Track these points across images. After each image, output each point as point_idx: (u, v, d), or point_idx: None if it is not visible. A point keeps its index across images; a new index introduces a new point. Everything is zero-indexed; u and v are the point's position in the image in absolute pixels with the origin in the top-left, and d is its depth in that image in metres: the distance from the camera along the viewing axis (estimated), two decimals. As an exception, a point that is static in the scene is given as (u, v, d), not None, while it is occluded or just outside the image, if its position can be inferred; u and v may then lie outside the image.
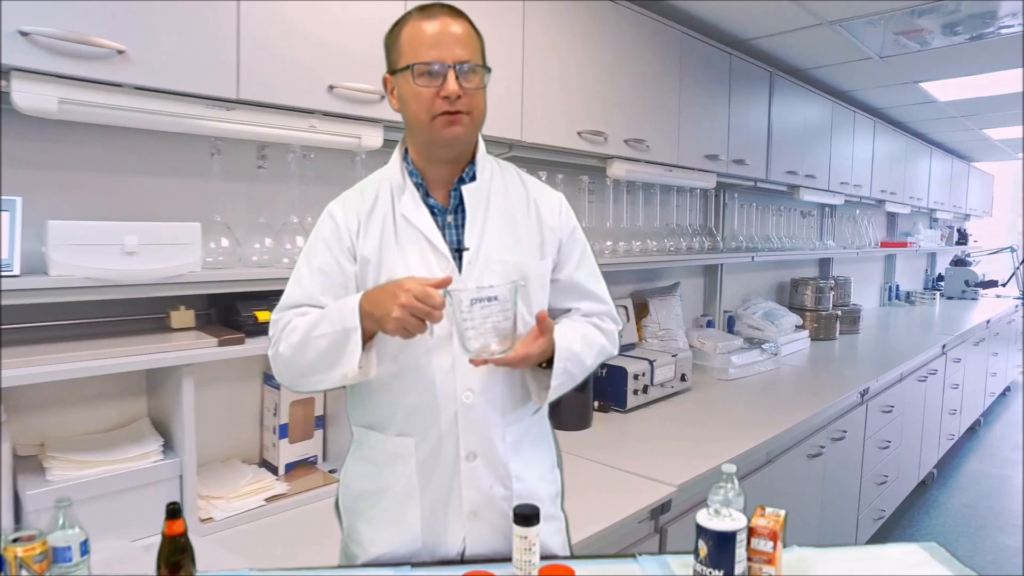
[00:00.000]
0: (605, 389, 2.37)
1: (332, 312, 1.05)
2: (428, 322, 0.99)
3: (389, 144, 1.58)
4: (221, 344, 1.43)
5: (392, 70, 1.11)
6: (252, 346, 1.48)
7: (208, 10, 1.31)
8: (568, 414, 2.15)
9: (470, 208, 1.14)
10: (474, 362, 1.04)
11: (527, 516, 1.02)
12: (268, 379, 1.75)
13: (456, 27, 1.06)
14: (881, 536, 3.40)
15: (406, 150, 1.18)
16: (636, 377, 2.37)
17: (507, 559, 1.07)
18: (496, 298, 1.02)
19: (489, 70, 1.11)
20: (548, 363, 1.11)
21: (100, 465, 1.34)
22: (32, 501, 1.25)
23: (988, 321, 5.11)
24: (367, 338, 1.03)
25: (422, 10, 1.08)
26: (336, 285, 1.12)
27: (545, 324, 1.08)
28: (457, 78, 1.04)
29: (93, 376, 1.28)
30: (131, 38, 1.21)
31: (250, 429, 1.76)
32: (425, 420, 1.12)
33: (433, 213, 1.14)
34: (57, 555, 0.96)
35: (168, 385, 1.46)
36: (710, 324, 3.42)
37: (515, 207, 1.18)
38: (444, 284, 0.99)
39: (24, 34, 1.10)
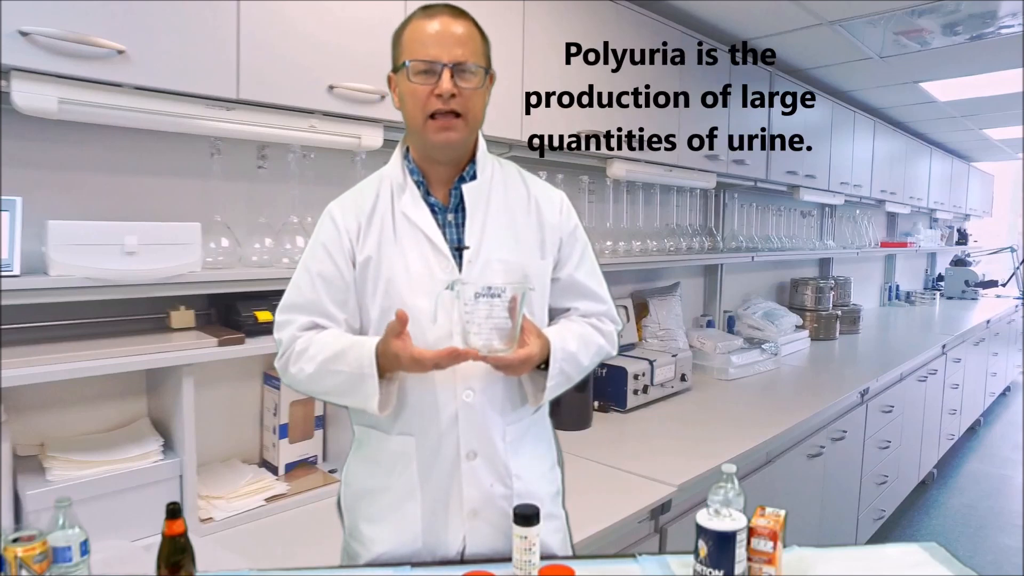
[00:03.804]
0: (605, 389, 2.37)
1: (349, 354, 1.06)
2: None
3: (389, 144, 1.58)
4: (221, 344, 1.43)
5: (394, 68, 1.12)
6: (252, 346, 1.48)
7: (208, 10, 1.31)
8: (568, 414, 2.15)
9: (470, 207, 1.14)
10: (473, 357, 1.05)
11: (527, 516, 1.02)
12: (268, 379, 1.75)
13: (456, 27, 1.07)
14: (881, 536, 3.40)
15: (407, 148, 1.18)
16: (636, 377, 2.37)
17: (507, 559, 1.07)
18: (501, 294, 1.02)
19: (488, 71, 1.11)
20: (544, 365, 1.11)
21: (100, 465, 1.34)
22: (32, 501, 1.25)
23: (988, 321, 5.11)
24: (386, 373, 1.07)
25: (425, 9, 1.09)
26: (337, 290, 1.12)
27: (532, 327, 1.10)
28: (453, 77, 1.05)
29: (93, 376, 1.28)
30: (131, 38, 1.21)
31: (250, 429, 1.76)
32: (425, 419, 1.12)
33: (433, 212, 1.14)
34: (57, 555, 0.96)
35: (168, 385, 1.46)
36: (710, 324, 3.42)
37: (516, 206, 1.18)
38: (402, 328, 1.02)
39: (24, 34, 1.10)
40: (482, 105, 1.12)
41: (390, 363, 1.04)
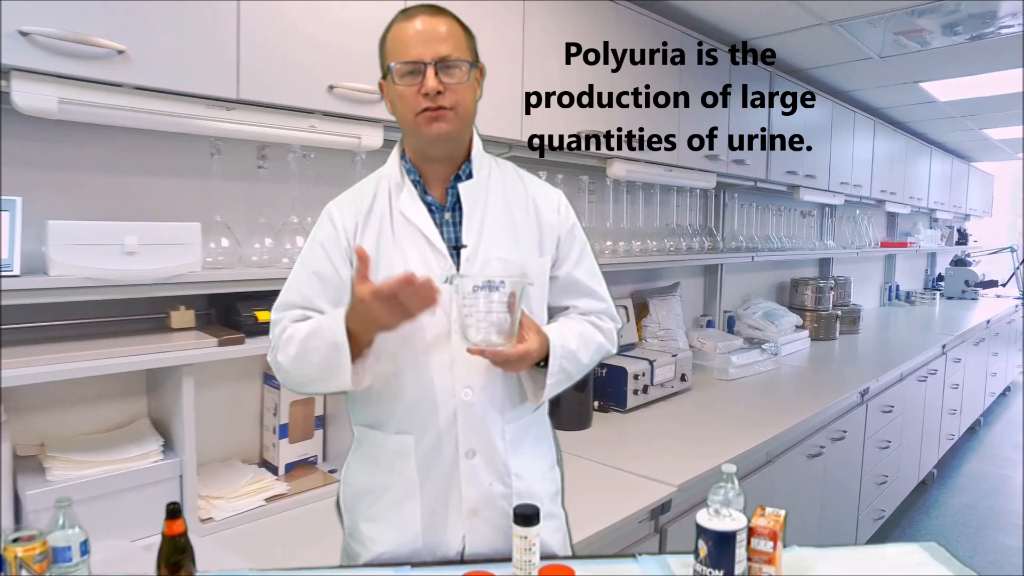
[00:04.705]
0: (605, 389, 2.37)
1: (323, 327, 1.05)
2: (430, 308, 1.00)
3: (389, 144, 1.57)
4: (221, 344, 1.43)
5: (383, 74, 1.12)
6: (252, 346, 1.48)
7: (208, 10, 1.31)
8: (568, 414, 2.15)
9: (467, 206, 1.14)
10: (471, 351, 1.04)
11: (527, 516, 1.02)
12: (268, 379, 1.75)
13: (436, 25, 1.07)
14: (881, 536, 3.40)
15: (404, 149, 1.18)
16: (636, 377, 2.37)
17: (507, 559, 1.07)
18: (499, 288, 1.02)
19: (475, 64, 1.11)
20: (544, 363, 1.11)
21: (100, 465, 1.34)
22: (32, 501, 1.25)
23: (988, 321, 5.11)
24: (364, 345, 1.05)
25: (404, 12, 1.10)
26: (333, 288, 1.12)
27: (531, 323, 1.10)
28: (437, 74, 1.05)
29: (93, 376, 1.28)
30: (131, 38, 1.21)
31: (250, 429, 1.76)
32: (424, 418, 1.12)
33: (431, 210, 1.14)
34: (57, 555, 0.96)
35: (168, 385, 1.46)
36: (710, 324, 3.42)
37: (513, 204, 1.19)
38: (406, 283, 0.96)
39: (24, 34, 1.10)
40: (472, 99, 1.12)
41: (358, 319, 1.01)
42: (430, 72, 1.05)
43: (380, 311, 0.97)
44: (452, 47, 1.07)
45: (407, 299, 0.96)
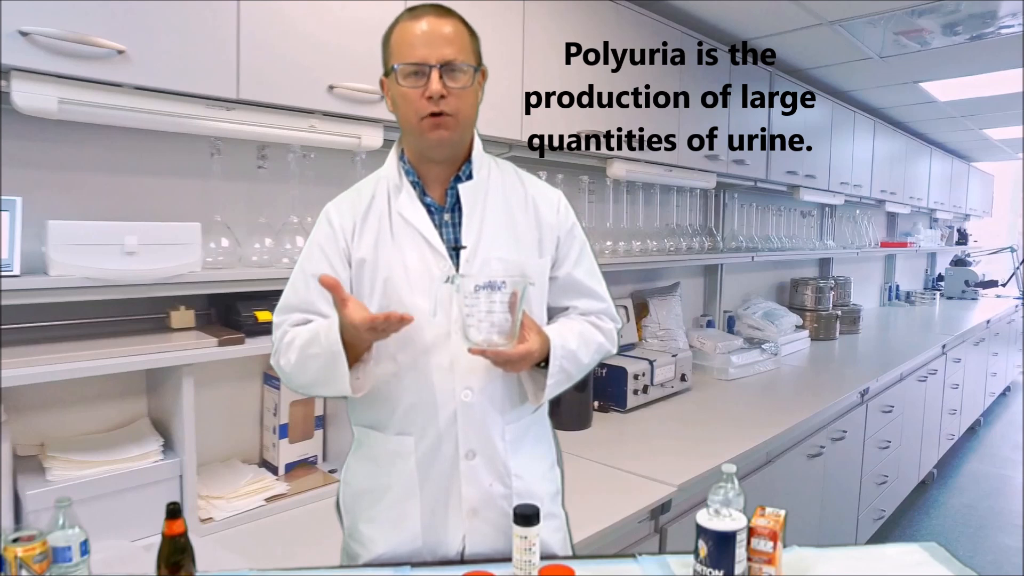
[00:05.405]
0: (605, 389, 2.37)
1: (320, 336, 1.05)
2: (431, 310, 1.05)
3: (389, 144, 1.57)
4: (221, 344, 1.43)
5: (385, 72, 1.12)
6: (252, 346, 1.48)
7: (208, 10, 1.31)
8: (568, 414, 2.15)
9: (467, 206, 1.14)
10: (472, 351, 1.04)
11: (527, 516, 1.02)
12: (268, 379, 1.75)
13: (442, 26, 1.07)
14: (881, 536, 3.40)
15: (403, 149, 1.18)
16: (636, 377, 2.37)
17: (507, 559, 1.07)
18: (501, 288, 1.02)
19: (479, 68, 1.11)
20: (544, 363, 1.11)
21: (100, 465, 1.34)
22: (32, 501, 1.25)
23: (988, 321, 5.11)
24: (362, 350, 1.05)
25: (411, 11, 1.09)
26: None
27: (532, 323, 1.10)
28: (442, 78, 1.05)
29: (93, 376, 1.28)
30: (131, 38, 1.21)
31: (250, 429, 1.76)
32: (424, 418, 1.12)
33: (430, 211, 1.14)
34: (57, 555, 0.96)
35: (168, 385, 1.46)
36: (710, 324, 3.42)
37: (513, 205, 1.18)
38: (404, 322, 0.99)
39: (24, 34, 1.10)
40: (474, 103, 1.12)
41: (349, 335, 1.01)
42: (434, 75, 1.04)
43: (367, 335, 0.99)
44: (457, 50, 1.07)
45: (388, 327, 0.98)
